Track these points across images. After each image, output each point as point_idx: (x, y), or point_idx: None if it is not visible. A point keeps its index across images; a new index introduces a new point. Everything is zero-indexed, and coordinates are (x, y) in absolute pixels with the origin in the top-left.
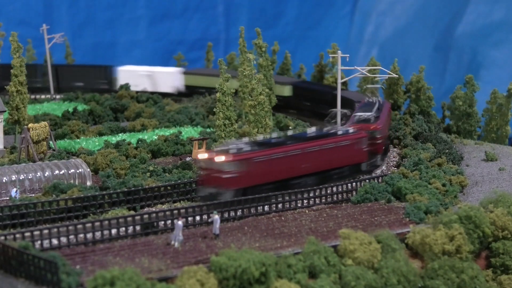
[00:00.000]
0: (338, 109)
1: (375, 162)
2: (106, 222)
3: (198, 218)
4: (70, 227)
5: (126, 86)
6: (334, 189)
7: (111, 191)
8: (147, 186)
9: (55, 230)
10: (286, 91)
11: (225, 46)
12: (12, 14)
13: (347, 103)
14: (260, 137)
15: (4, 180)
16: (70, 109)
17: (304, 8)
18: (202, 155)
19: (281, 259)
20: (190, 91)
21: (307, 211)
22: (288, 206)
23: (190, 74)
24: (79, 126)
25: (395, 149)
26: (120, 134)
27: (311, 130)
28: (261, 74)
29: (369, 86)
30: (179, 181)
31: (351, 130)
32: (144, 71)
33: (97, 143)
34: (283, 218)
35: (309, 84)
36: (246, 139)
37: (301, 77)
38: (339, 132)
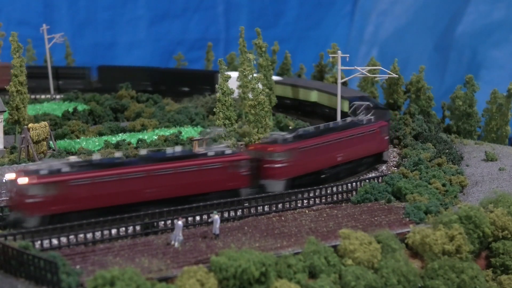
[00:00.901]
0: (338, 112)
1: (272, 187)
2: (106, 222)
3: (198, 218)
4: (70, 227)
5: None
6: (334, 189)
7: None
8: None
9: (55, 230)
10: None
11: (225, 46)
12: (12, 14)
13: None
14: (96, 157)
15: (4, 180)
16: (70, 109)
17: (304, 8)
18: (10, 175)
19: (281, 259)
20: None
21: (307, 211)
22: (288, 206)
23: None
24: (79, 126)
25: (395, 149)
26: (120, 134)
27: (173, 150)
28: (261, 74)
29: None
30: None
31: (226, 151)
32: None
33: (97, 143)
34: (283, 218)
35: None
36: (74, 158)
37: (301, 77)
38: (208, 154)
